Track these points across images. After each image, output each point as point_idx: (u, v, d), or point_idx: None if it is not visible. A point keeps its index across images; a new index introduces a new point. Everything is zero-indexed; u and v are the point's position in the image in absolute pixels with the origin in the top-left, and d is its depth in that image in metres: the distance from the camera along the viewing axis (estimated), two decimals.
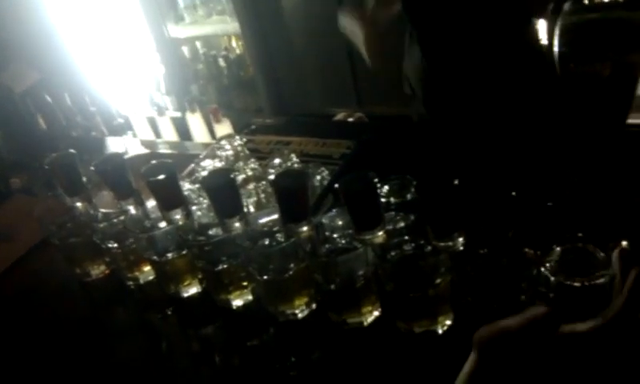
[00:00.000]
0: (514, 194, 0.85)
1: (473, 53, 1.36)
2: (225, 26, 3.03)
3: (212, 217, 0.97)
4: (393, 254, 0.80)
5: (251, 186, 1.08)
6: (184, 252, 0.95)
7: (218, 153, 1.26)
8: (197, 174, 1.21)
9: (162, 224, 0.97)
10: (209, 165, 1.22)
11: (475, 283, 0.80)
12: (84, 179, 1.11)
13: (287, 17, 2.76)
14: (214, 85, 3.28)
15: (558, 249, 0.69)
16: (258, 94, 3.08)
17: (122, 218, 1.01)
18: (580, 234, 0.69)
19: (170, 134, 3.02)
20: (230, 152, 1.25)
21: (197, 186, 1.10)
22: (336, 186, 0.89)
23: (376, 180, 0.83)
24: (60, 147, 1.40)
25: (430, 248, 0.78)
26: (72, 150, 1.12)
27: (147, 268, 1.04)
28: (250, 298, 0.94)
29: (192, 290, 0.99)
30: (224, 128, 2.60)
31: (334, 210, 0.90)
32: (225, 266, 0.90)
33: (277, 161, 1.15)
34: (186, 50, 3.33)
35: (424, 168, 0.98)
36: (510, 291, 0.76)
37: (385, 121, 2.02)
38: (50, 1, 3.26)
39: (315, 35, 2.72)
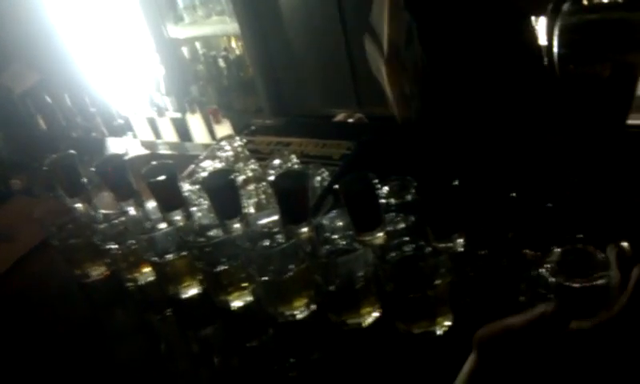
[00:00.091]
0: (513, 195, 0.85)
1: (472, 51, 1.36)
2: (224, 27, 3.03)
3: (212, 218, 0.97)
4: (392, 254, 0.80)
5: (251, 186, 1.08)
6: (184, 253, 0.95)
7: (218, 154, 1.26)
8: (197, 175, 1.21)
9: (162, 225, 0.97)
10: (209, 166, 1.22)
11: (475, 284, 0.80)
12: (84, 180, 1.11)
13: (287, 17, 2.77)
14: (213, 85, 3.28)
15: (558, 250, 0.69)
16: (258, 94, 3.08)
17: (122, 219, 1.01)
18: (580, 235, 0.69)
19: (169, 135, 3.02)
20: (230, 153, 1.25)
21: (197, 186, 1.10)
22: (336, 186, 0.89)
23: (376, 181, 0.83)
24: (60, 148, 1.40)
25: (429, 249, 0.78)
26: (72, 151, 1.12)
27: (147, 269, 1.04)
28: (250, 299, 0.94)
29: (192, 291, 0.99)
30: (224, 129, 2.60)
31: (334, 211, 0.90)
32: (224, 267, 0.90)
33: (277, 162, 1.15)
34: (185, 50, 3.33)
35: (424, 169, 0.98)
36: (509, 292, 0.76)
37: (385, 122, 2.01)
38: (50, 1, 3.26)
39: (315, 36, 2.72)
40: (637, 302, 0.47)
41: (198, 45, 3.28)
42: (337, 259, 0.81)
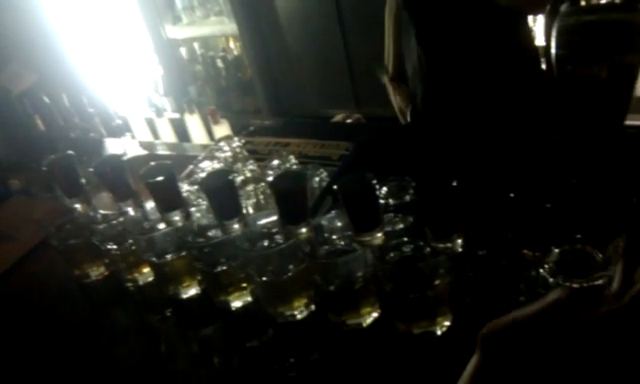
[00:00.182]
0: (512, 195, 0.85)
1: (470, 50, 1.36)
2: (223, 27, 3.03)
3: (211, 218, 0.97)
4: (392, 255, 0.80)
5: (250, 187, 1.08)
6: (183, 253, 0.95)
7: (217, 154, 1.26)
8: (195, 176, 1.21)
9: (161, 225, 0.97)
10: (207, 166, 1.22)
11: (474, 284, 0.80)
12: (83, 181, 1.11)
13: (285, 18, 2.77)
14: (212, 86, 3.28)
15: (557, 250, 0.69)
16: (256, 95, 3.08)
17: (121, 219, 1.01)
18: (578, 236, 0.69)
19: (168, 136, 3.02)
20: (229, 153, 1.26)
21: (195, 187, 1.10)
22: (334, 187, 0.89)
23: (374, 181, 0.83)
24: (58, 148, 1.40)
25: (428, 249, 0.78)
26: (70, 152, 1.12)
27: (146, 269, 1.04)
28: (249, 299, 0.94)
29: (191, 291, 0.99)
30: (222, 129, 2.60)
31: (333, 212, 0.91)
32: (224, 268, 0.90)
33: (275, 162, 1.15)
34: (183, 51, 3.32)
35: (422, 169, 0.99)
36: (508, 292, 0.76)
37: (383, 122, 2.02)
38: (48, 2, 3.26)
39: (313, 36, 2.73)
40: None
41: (196, 45, 3.28)
42: (336, 260, 0.81)
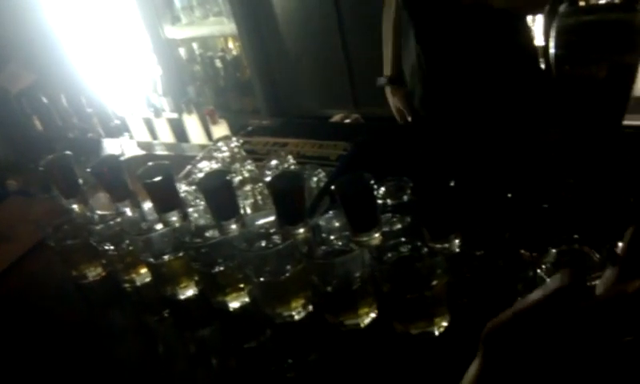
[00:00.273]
0: (509, 195, 0.85)
1: (469, 50, 1.36)
2: (221, 28, 3.03)
3: (209, 219, 0.97)
4: (389, 255, 0.80)
5: (248, 187, 1.08)
6: (180, 254, 0.95)
7: (215, 154, 1.26)
8: (193, 176, 1.21)
9: (159, 226, 0.97)
10: (205, 166, 1.22)
11: (471, 285, 0.80)
12: (80, 181, 1.11)
13: (284, 18, 2.77)
14: (210, 86, 3.28)
15: (554, 250, 0.69)
16: (255, 95, 3.08)
17: (119, 220, 1.00)
18: (576, 236, 0.69)
19: (166, 136, 3.02)
20: (227, 154, 1.25)
21: (193, 187, 1.10)
22: (332, 187, 0.89)
23: (372, 182, 0.83)
24: (56, 149, 1.40)
25: (426, 250, 0.78)
26: (68, 152, 1.12)
27: (144, 270, 1.04)
28: (247, 299, 0.94)
29: (188, 292, 0.99)
30: (221, 129, 2.59)
31: (331, 212, 0.90)
32: (221, 268, 0.90)
33: (273, 162, 1.15)
34: (182, 51, 3.32)
35: (420, 170, 0.99)
36: (506, 293, 0.76)
37: (382, 122, 2.02)
38: (47, 2, 3.25)
39: (312, 37, 2.73)
40: None
41: (194, 45, 3.28)
42: (333, 260, 0.81)
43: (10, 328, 1.07)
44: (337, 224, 0.88)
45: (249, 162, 1.21)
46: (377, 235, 0.83)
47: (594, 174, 0.92)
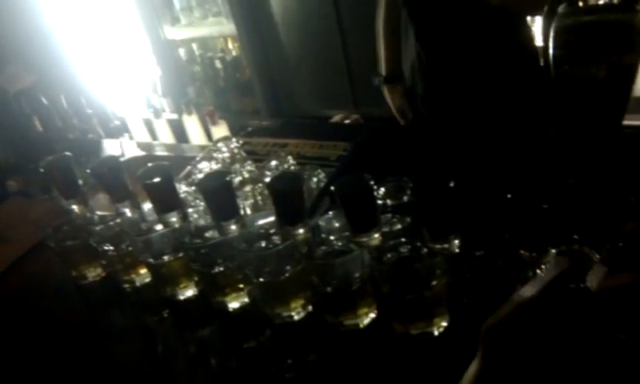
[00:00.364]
0: (509, 196, 0.85)
1: (469, 49, 1.36)
2: (221, 28, 3.03)
3: (208, 219, 0.97)
4: (389, 256, 0.80)
5: (248, 188, 1.08)
6: (180, 255, 0.95)
7: (215, 155, 1.26)
8: (193, 177, 1.21)
9: (158, 227, 0.97)
10: (205, 167, 1.22)
11: (471, 285, 0.80)
12: (80, 182, 1.11)
13: (284, 19, 2.77)
14: (210, 87, 3.27)
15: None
16: (255, 96, 3.07)
17: (118, 220, 1.00)
18: (575, 236, 0.69)
19: (166, 137, 3.02)
20: (227, 154, 1.25)
21: (193, 188, 1.10)
22: (332, 188, 0.89)
23: (372, 182, 0.83)
24: (56, 150, 1.40)
25: (425, 250, 0.78)
26: (68, 153, 1.12)
27: (143, 271, 1.04)
28: (246, 300, 0.94)
29: (188, 292, 0.99)
30: (220, 130, 2.59)
31: (331, 212, 0.91)
32: (221, 269, 0.90)
33: (273, 163, 1.15)
34: (182, 51, 3.32)
35: (420, 170, 0.99)
36: (506, 293, 0.76)
37: (381, 122, 2.02)
38: (46, 2, 3.26)
39: (312, 37, 2.72)
40: None
41: (194, 46, 3.28)
42: (333, 260, 0.81)
43: (10, 328, 1.07)
44: (336, 224, 0.88)
45: (249, 162, 1.21)
46: (376, 236, 0.83)
47: (593, 174, 0.92)
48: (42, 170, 1.11)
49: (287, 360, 0.84)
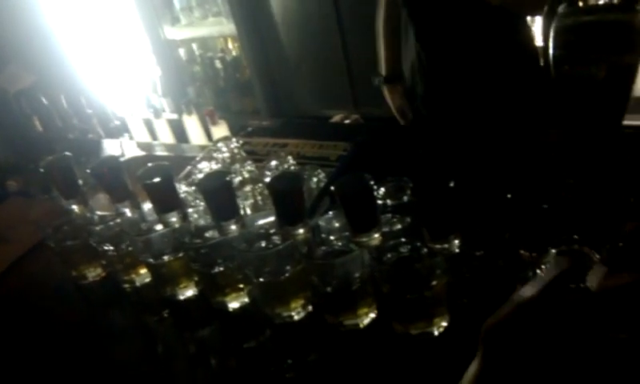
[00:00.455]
0: (509, 196, 0.85)
1: (470, 49, 1.36)
2: (221, 28, 3.03)
3: (208, 219, 0.97)
4: (389, 256, 0.80)
5: (248, 188, 1.08)
6: (180, 255, 0.95)
7: (215, 155, 1.26)
8: (193, 177, 1.21)
9: (158, 227, 0.97)
10: (205, 167, 1.22)
11: (471, 285, 0.80)
12: (80, 182, 1.11)
13: (284, 19, 2.76)
14: (210, 87, 3.27)
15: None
16: (255, 95, 3.07)
17: (118, 220, 1.00)
18: (575, 236, 0.69)
19: (166, 137, 3.02)
20: (227, 154, 1.25)
21: (193, 188, 1.10)
22: (332, 188, 0.89)
23: (372, 182, 0.83)
24: (56, 150, 1.40)
25: (425, 250, 0.78)
26: (68, 153, 1.12)
27: (143, 271, 1.04)
28: (246, 300, 0.94)
29: (188, 292, 0.99)
30: (220, 130, 2.59)
31: (331, 212, 0.90)
32: (221, 269, 0.90)
33: (273, 163, 1.15)
34: (182, 51, 3.32)
35: (420, 170, 0.99)
36: (505, 293, 0.76)
37: (381, 122, 2.02)
38: (46, 3, 3.25)
39: (312, 37, 2.72)
40: None
41: (194, 46, 3.28)
42: (333, 260, 0.81)
43: (10, 328, 1.07)
44: (337, 224, 0.88)
45: (249, 162, 1.21)
46: (376, 236, 0.83)
47: (593, 175, 0.92)
48: (41, 170, 1.11)
49: (287, 360, 0.84)
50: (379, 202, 0.93)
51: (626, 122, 0.94)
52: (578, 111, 0.91)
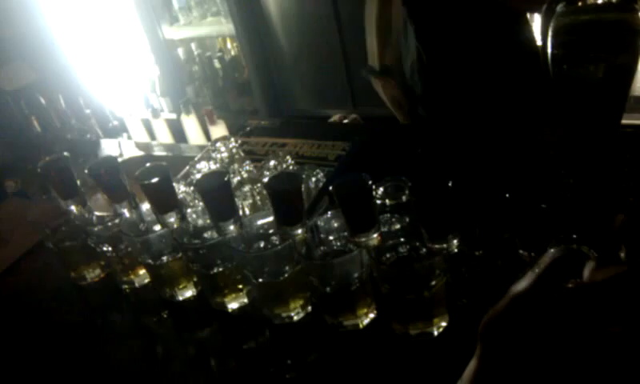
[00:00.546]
0: (508, 195, 0.85)
1: (470, 48, 1.36)
2: (219, 28, 3.02)
3: (207, 219, 0.97)
4: (388, 256, 0.80)
5: (246, 188, 1.08)
6: (179, 255, 0.94)
7: (213, 155, 1.26)
8: (192, 177, 1.21)
9: (157, 227, 0.97)
10: (204, 167, 1.22)
11: (470, 285, 0.80)
12: (78, 182, 1.10)
13: (282, 18, 2.76)
14: (208, 86, 3.27)
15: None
16: (253, 95, 3.07)
17: (117, 221, 1.00)
18: (574, 236, 0.69)
19: (164, 137, 3.01)
20: (225, 154, 1.25)
21: (192, 188, 1.09)
22: (331, 188, 0.89)
23: (371, 182, 0.83)
24: (54, 150, 1.40)
25: (425, 250, 0.78)
26: (66, 153, 1.11)
27: (142, 271, 1.03)
28: (246, 300, 0.93)
29: (187, 293, 0.99)
30: (219, 130, 2.59)
31: (330, 213, 0.90)
32: (220, 269, 0.90)
33: (272, 163, 1.15)
34: (180, 51, 3.32)
35: (419, 169, 0.98)
36: (504, 293, 0.76)
37: (380, 122, 2.02)
38: (45, 2, 3.25)
39: (310, 36, 2.72)
40: None
41: (193, 46, 3.27)
42: (332, 261, 0.81)
43: (9, 329, 1.07)
44: (335, 224, 0.88)
45: (247, 162, 1.20)
46: (375, 236, 0.83)
47: (593, 174, 0.92)
48: (39, 171, 1.10)
49: (287, 361, 0.84)
50: (378, 201, 0.93)
51: (625, 121, 0.94)
52: (577, 110, 0.90)
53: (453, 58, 1.40)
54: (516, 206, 0.83)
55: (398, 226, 0.87)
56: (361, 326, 0.83)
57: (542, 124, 1.11)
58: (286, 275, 0.84)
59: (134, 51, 3.47)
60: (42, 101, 2.49)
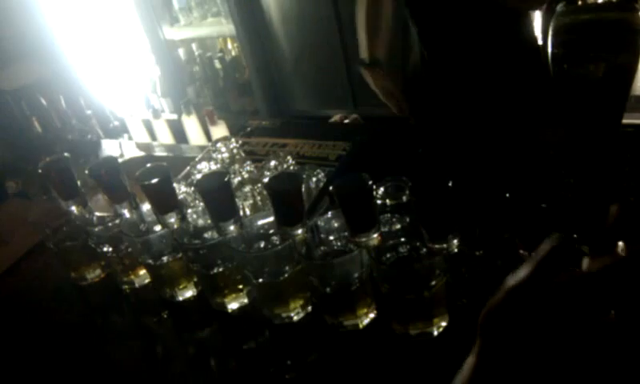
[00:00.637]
0: (508, 195, 0.85)
1: (472, 49, 1.36)
2: (220, 28, 3.02)
3: (207, 220, 0.97)
4: (388, 256, 0.80)
5: (247, 188, 1.08)
6: (179, 255, 0.94)
7: (214, 155, 1.26)
8: (192, 177, 1.21)
9: (157, 227, 0.97)
10: (204, 167, 1.22)
11: (470, 285, 0.80)
12: (79, 183, 1.10)
13: (283, 19, 2.76)
14: (209, 87, 3.27)
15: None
16: (254, 95, 3.07)
17: (117, 221, 1.00)
18: (574, 236, 0.69)
19: (165, 137, 3.02)
20: (226, 154, 1.25)
21: (192, 188, 1.09)
22: (331, 188, 0.89)
23: (371, 182, 0.83)
24: (55, 150, 1.40)
25: (425, 250, 0.78)
26: (66, 154, 1.11)
27: (142, 272, 1.04)
28: (246, 301, 0.93)
29: (187, 293, 0.99)
30: (220, 130, 2.59)
31: (330, 213, 0.90)
32: (220, 270, 0.90)
33: (273, 163, 1.15)
34: (181, 52, 3.32)
35: (419, 169, 0.98)
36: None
37: (381, 122, 2.02)
38: (45, 2, 3.25)
39: (311, 37, 2.72)
40: None
41: (193, 46, 3.27)
42: (332, 261, 0.81)
43: (10, 330, 1.07)
44: (336, 224, 0.88)
45: (248, 162, 1.20)
46: (375, 236, 0.83)
47: (593, 174, 0.92)
48: (40, 171, 1.10)
49: (287, 361, 0.84)
50: (378, 201, 0.93)
51: (626, 121, 0.94)
52: (577, 110, 0.90)
53: (455, 59, 1.40)
54: (516, 206, 0.83)
55: (398, 226, 0.87)
56: (361, 326, 0.83)
57: (543, 124, 1.10)
58: (286, 275, 0.84)
59: (134, 52, 3.47)
60: (43, 101, 2.50)
